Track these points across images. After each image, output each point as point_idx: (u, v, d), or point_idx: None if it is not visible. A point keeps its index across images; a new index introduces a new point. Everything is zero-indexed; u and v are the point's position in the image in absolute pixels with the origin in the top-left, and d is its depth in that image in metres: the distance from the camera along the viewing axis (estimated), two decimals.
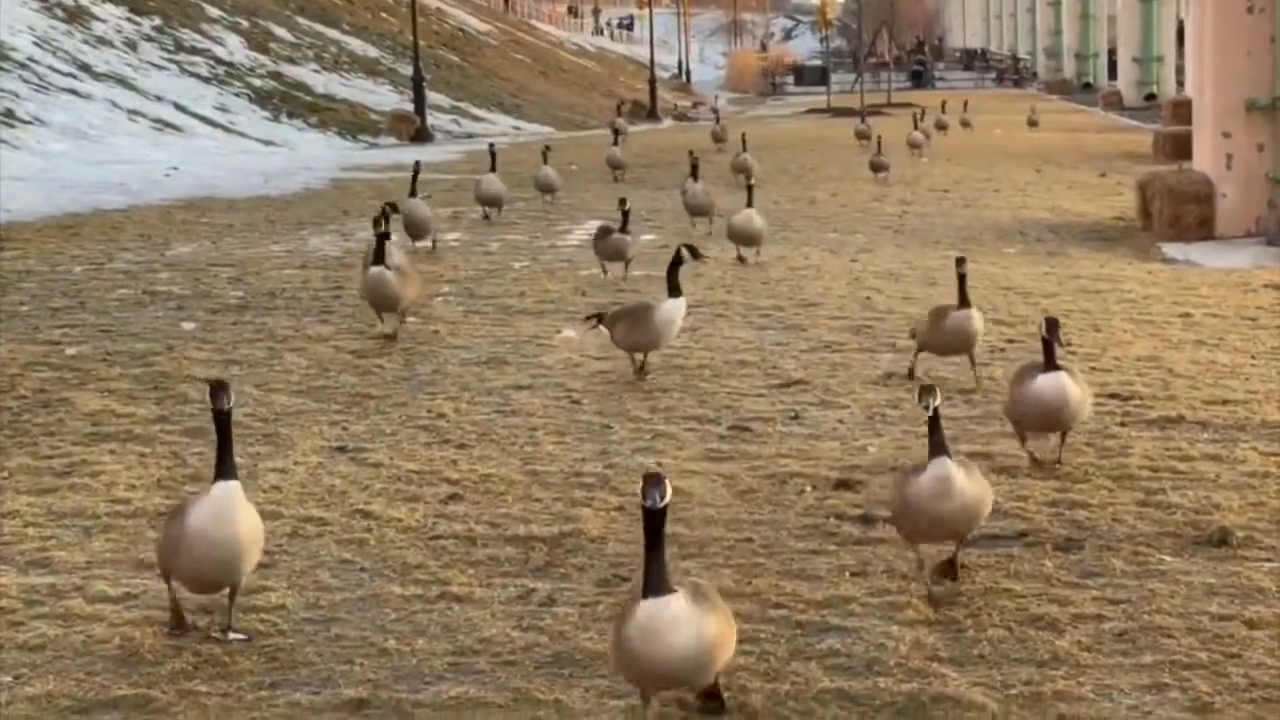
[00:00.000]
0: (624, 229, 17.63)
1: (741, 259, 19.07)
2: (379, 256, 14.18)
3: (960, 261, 11.63)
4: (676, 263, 12.40)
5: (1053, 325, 9.34)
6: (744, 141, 30.67)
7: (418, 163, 22.14)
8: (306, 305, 16.38)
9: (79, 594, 7.68)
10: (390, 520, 8.83)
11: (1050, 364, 9.39)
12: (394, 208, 17.32)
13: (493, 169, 24.47)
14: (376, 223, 15.15)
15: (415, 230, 20.17)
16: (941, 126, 44.38)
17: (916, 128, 37.80)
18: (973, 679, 6.56)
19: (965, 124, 46.45)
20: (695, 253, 12.70)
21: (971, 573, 7.86)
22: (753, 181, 19.49)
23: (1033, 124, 47.93)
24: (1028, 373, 9.61)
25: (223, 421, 7.06)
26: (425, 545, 8.42)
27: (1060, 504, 8.84)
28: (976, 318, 11.86)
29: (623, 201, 18.06)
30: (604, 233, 17.95)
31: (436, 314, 15.70)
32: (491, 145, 25.84)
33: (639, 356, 12.71)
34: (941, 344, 12.04)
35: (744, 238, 19.06)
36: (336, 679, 6.68)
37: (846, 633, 7.12)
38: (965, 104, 49.40)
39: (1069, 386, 9.41)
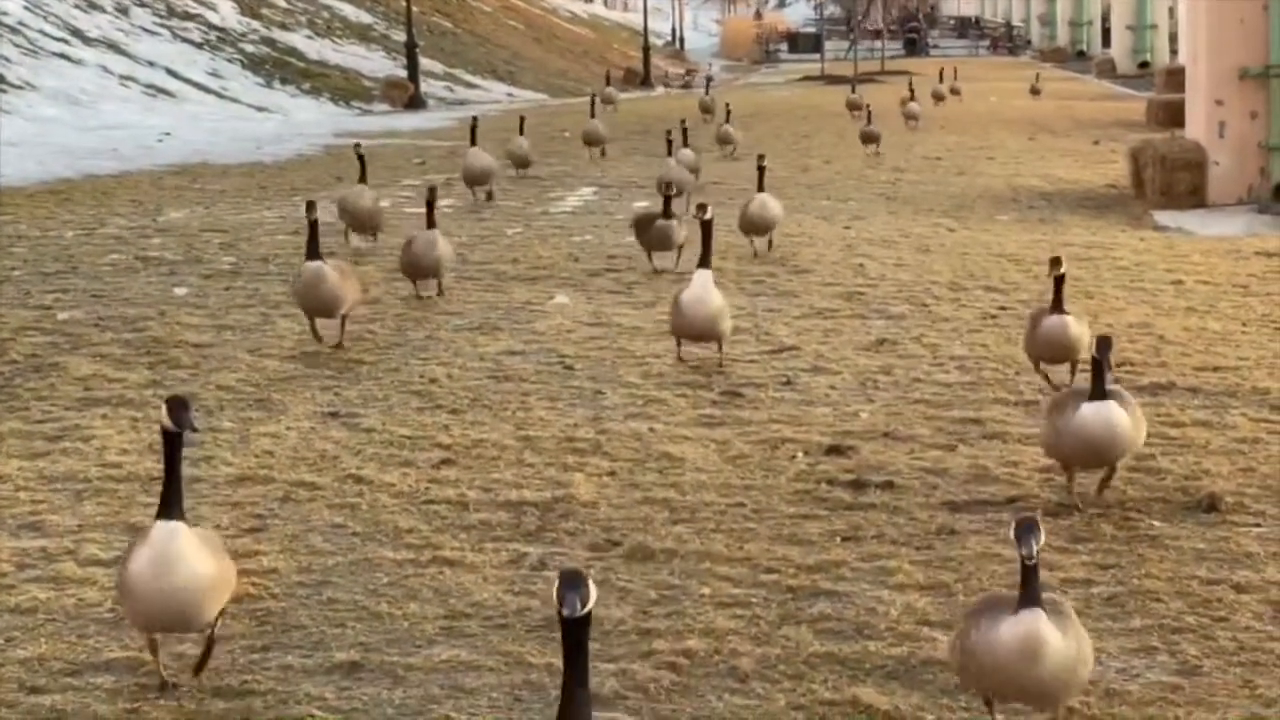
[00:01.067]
0: (667, 213, 15.53)
1: (753, 246, 17.09)
2: (313, 249, 12.36)
3: (1056, 262, 10.26)
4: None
5: (1104, 345, 8.09)
6: (728, 112, 30.18)
7: (359, 145, 18.81)
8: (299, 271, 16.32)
9: (70, 557, 7.69)
10: (382, 485, 8.84)
11: (1098, 390, 8.14)
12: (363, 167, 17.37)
13: (473, 142, 22.73)
14: (310, 207, 12.58)
15: (356, 222, 17.80)
16: (939, 97, 43.52)
17: (913, 98, 36.94)
18: None
19: (955, 91, 45.75)
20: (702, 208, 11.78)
21: (962, 538, 7.89)
22: (764, 164, 16.79)
23: (1035, 92, 47.26)
24: (1070, 400, 8.33)
25: (173, 446, 6.13)
26: (417, 510, 8.43)
27: (1051, 469, 8.84)
28: (1073, 324, 10.42)
29: (667, 186, 15.70)
30: (646, 221, 16.00)
31: (429, 280, 15.65)
32: (474, 118, 23.64)
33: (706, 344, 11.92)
34: (1038, 353, 10.77)
35: (759, 227, 16.98)
36: (328, 642, 6.69)
37: (837, 597, 7.14)
38: (955, 71, 48.28)
39: (1117, 417, 8.13)
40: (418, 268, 14.51)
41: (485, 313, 13.98)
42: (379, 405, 10.70)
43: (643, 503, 8.51)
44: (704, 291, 11.53)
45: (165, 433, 6.14)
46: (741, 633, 6.74)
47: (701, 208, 11.79)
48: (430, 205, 14.39)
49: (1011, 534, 5.41)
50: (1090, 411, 8.08)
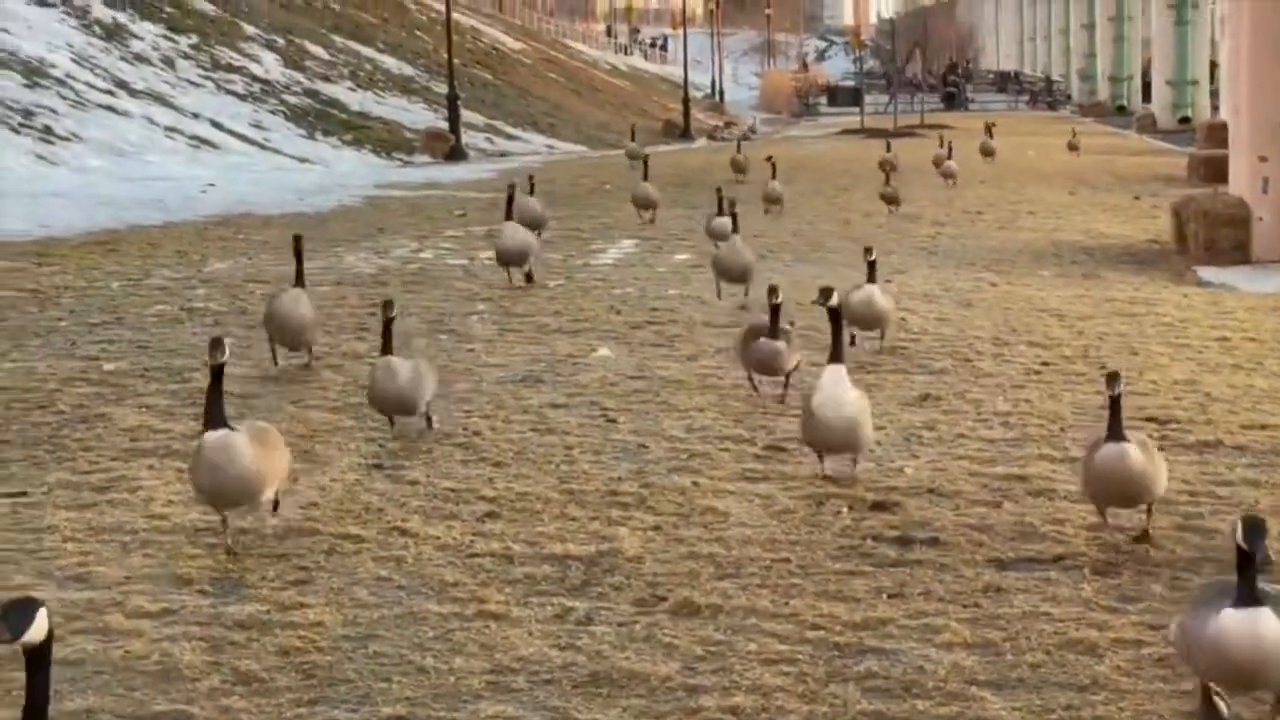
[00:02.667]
0: (774, 333, 12.24)
1: (852, 340, 14.21)
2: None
3: (1113, 379, 8.54)
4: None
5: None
6: (773, 168, 28.49)
7: (297, 239, 14.35)
8: (341, 322, 16.42)
9: (118, 609, 7.70)
10: (427, 538, 8.85)
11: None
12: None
13: (509, 214, 18.94)
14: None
15: (287, 336, 13.87)
16: (988, 152, 41.83)
17: (949, 156, 35.74)
18: (1012, 703, 6.55)
19: (986, 151, 42.53)
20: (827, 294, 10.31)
21: (1009, 596, 7.85)
22: (873, 257, 14.47)
23: (1073, 148, 46.29)
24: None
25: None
26: (462, 563, 8.43)
27: (1098, 528, 8.81)
28: (1133, 453, 8.54)
29: (773, 292, 12.25)
30: (751, 334, 12.50)
31: (472, 332, 15.72)
32: (511, 186, 19.75)
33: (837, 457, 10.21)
34: (1094, 489, 8.79)
35: (866, 322, 14.50)
36: (374, 696, 6.69)
37: (884, 655, 7.11)
38: (991, 127, 45.08)
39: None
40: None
41: (528, 365, 14.00)
42: (423, 458, 10.72)
43: (688, 557, 8.50)
44: (838, 391, 9.87)
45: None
46: (789, 690, 6.71)
47: (826, 293, 10.21)
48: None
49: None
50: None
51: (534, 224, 22.83)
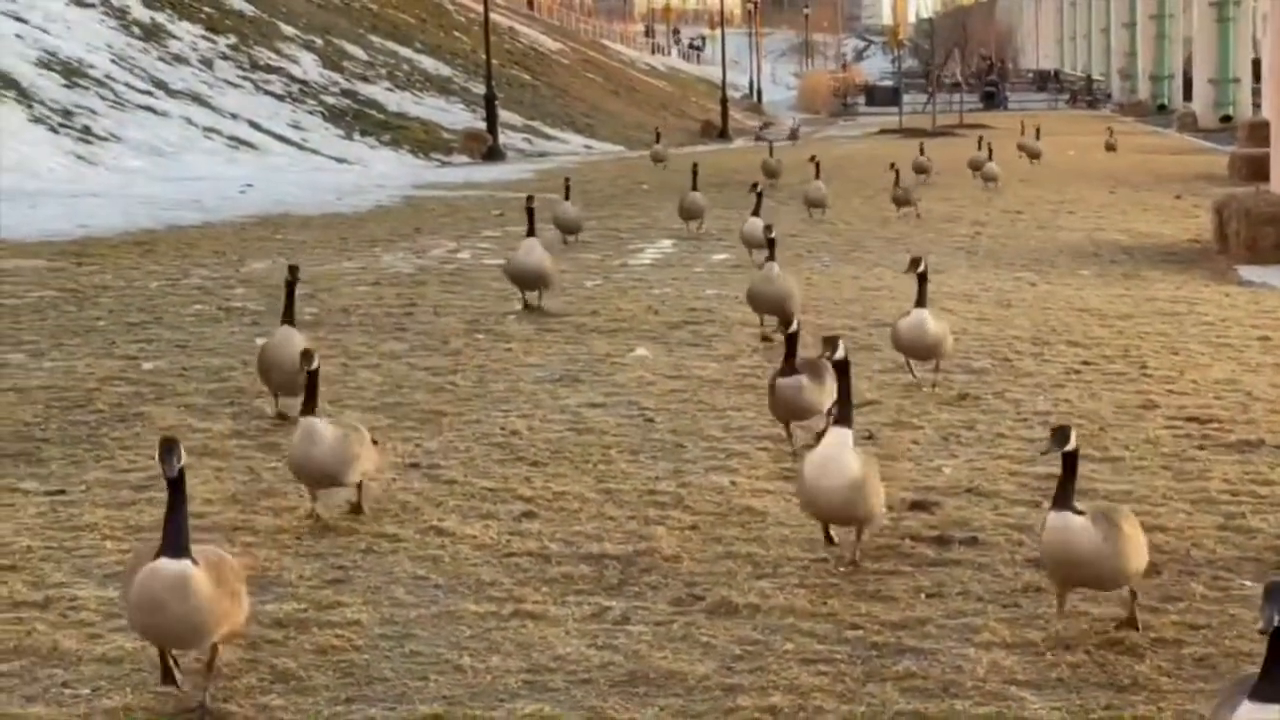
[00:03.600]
0: (789, 367, 10.48)
1: (910, 369, 13.11)
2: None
3: (1058, 434, 7.23)
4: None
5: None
6: (817, 168, 27.90)
7: (292, 271, 12.16)
8: (380, 322, 16.45)
9: None
10: (464, 537, 8.84)
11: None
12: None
13: (530, 230, 16.99)
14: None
15: (284, 380, 11.57)
16: (1034, 154, 41.04)
17: (990, 157, 34.54)
18: (1051, 703, 6.51)
19: (1032, 154, 41.59)
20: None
21: (1048, 596, 7.78)
22: (923, 268, 12.39)
23: (1110, 148, 45.92)
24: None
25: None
26: (499, 562, 8.42)
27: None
28: (1079, 527, 7.18)
29: (787, 333, 10.42)
30: (788, 370, 10.53)
31: (509, 331, 15.72)
32: (530, 198, 17.41)
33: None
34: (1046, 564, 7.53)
35: (916, 350, 12.81)
36: (411, 695, 6.68)
37: (923, 654, 7.07)
38: (1033, 129, 44.61)
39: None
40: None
41: (565, 365, 13.99)
42: (460, 457, 10.71)
43: (725, 557, 8.47)
44: (838, 454, 8.22)
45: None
46: (826, 690, 6.68)
47: (830, 344, 8.51)
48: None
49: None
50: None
51: (570, 228, 23.21)
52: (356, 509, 9.26)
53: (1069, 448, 7.07)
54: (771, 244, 14.91)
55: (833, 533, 8.62)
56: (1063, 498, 7.12)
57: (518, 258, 17.01)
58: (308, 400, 9.11)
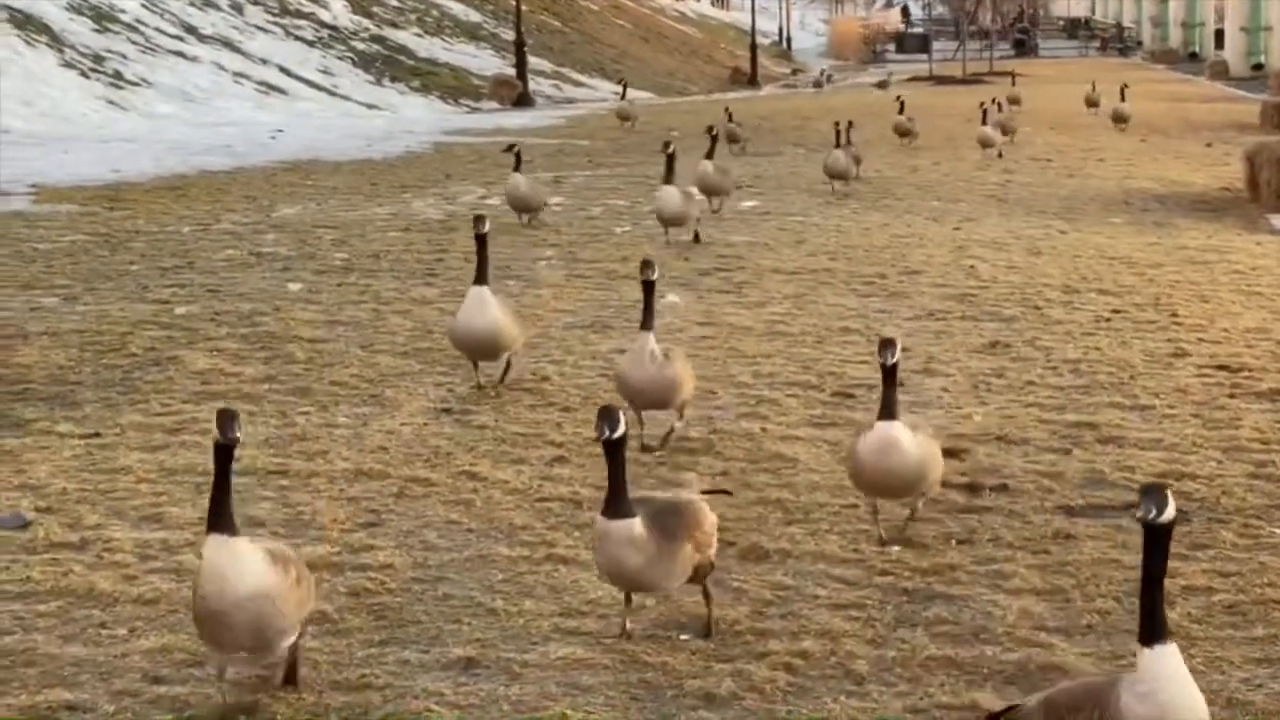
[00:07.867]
0: (889, 410, 7.76)
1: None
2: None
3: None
4: None
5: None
6: (901, 105, 32.21)
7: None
8: (410, 267, 16.48)
9: (191, 549, 7.75)
10: (496, 482, 8.89)
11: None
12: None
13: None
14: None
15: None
16: (1092, 104, 39.52)
17: (1003, 108, 33.21)
18: (1081, 649, 6.54)
19: (1013, 101, 38.90)
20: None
21: (1079, 543, 7.82)
22: (895, 359, 7.67)
23: (1091, 104, 40.26)
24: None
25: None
26: (531, 507, 8.47)
27: (1168, 475, 8.75)
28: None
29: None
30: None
31: (540, 278, 15.74)
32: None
33: None
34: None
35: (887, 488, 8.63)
36: (445, 638, 6.73)
37: (953, 601, 7.10)
38: (1122, 90, 36.77)
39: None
40: None
41: (596, 311, 14.00)
42: (491, 402, 10.75)
43: (756, 503, 8.50)
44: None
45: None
46: (857, 635, 6.71)
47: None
48: None
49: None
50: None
51: (524, 206, 19.94)
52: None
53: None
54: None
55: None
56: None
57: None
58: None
